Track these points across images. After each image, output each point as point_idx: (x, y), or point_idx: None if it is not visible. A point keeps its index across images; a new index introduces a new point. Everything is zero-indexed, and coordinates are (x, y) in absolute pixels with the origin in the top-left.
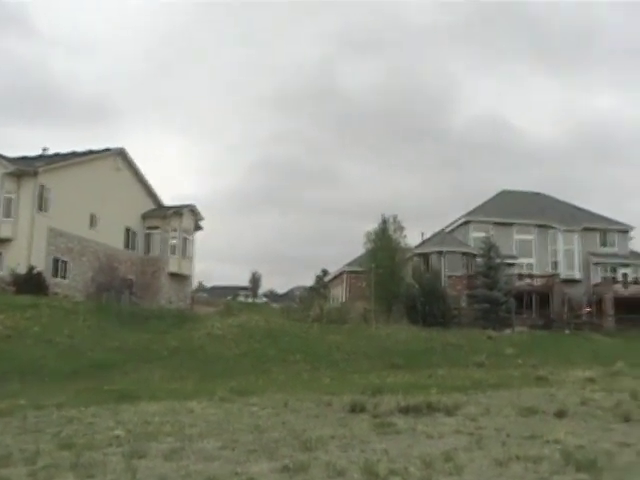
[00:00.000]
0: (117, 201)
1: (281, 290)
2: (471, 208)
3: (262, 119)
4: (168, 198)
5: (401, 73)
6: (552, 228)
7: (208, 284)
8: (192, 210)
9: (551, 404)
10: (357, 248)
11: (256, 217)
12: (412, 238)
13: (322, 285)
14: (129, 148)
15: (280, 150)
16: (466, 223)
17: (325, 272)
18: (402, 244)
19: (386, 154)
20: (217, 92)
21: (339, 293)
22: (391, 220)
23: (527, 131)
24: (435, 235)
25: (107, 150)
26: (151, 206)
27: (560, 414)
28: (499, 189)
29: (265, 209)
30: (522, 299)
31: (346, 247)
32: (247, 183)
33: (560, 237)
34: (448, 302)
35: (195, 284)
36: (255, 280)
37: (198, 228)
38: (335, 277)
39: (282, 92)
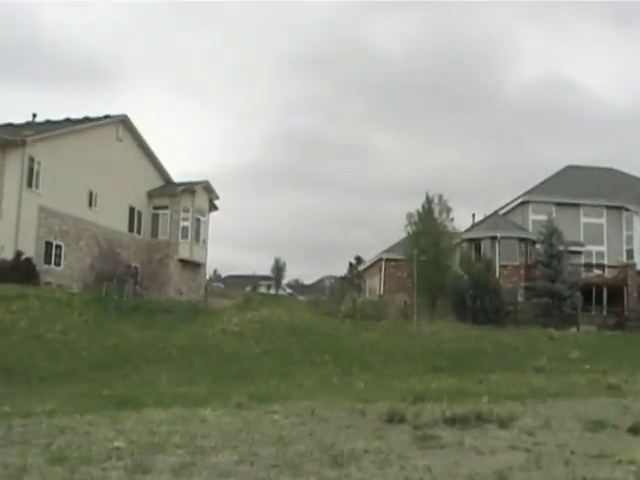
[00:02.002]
0: (119, 177)
1: (308, 280)
2: (530, 186)
3: (281, 84)
4: (176, 175)
5: (440, 27)
6: (626, 210)
7: (224, 273)
8: (206, 187)
9: (624, 417)
10: (395, 233)
11: (278, 196)
12: (460, 221)
13: (355, 275)
14: (132, 116)
15: (302, 120)
16: (524, 204)
17: (359, 260)
18: (449, 228)
19: (424, 124)
20: (230, 52)
21: (375, 284)
22: (436, 200)
23: (599, 97)
24: (487, 218)
25: (107, 117)
26: (159, 183)
27: (635, 429)
28: (563, 164)
29: (288, 187)
30: (590, 293)
31: (382, 231)
32: (266, 157)
33: (636, 221)
34: (502, 296)
35: (209, 273)
36: (278, 269)
37: (213, 208)
38: (370, 266)
39: (303, 52)
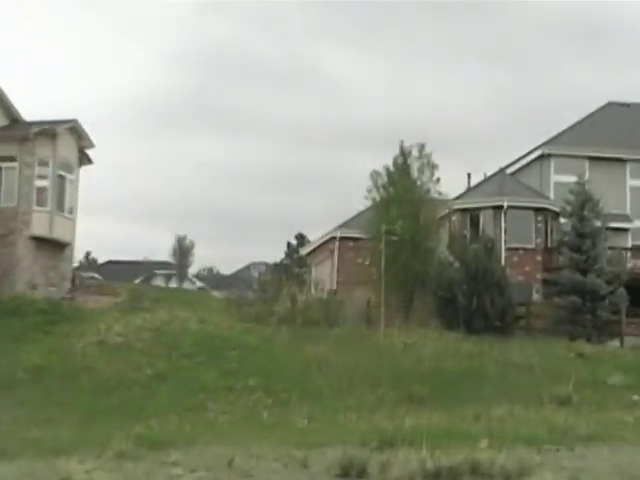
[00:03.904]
0: None
1: (227, 269)
2: (553, 133)
3: None
4: (30, 113)
5: None
6: None
7: (102, 258)
8: (74, 130)
9: None
10: (356, 200)
11: (184, 144)
12: (450, 184)
13: (296, 261)
14: None
15: (220, 29)
16: (543, 158)
17: (302, 239)
18: (433, 193)
19: (401, 39)
20: None
21: (325, 275)
22: (415, 152)
23: None
24: (489, 179)
25: None
26: (2, 122)
27: None
28: (602, 101)
29: (198, 131)
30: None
31: (337, 198)
32: (166, 87)
33: None
34: (509, 293)
35: (79, 257)
36: (182, 252)
37: (85, 161)
38: (318, 248)
39: None
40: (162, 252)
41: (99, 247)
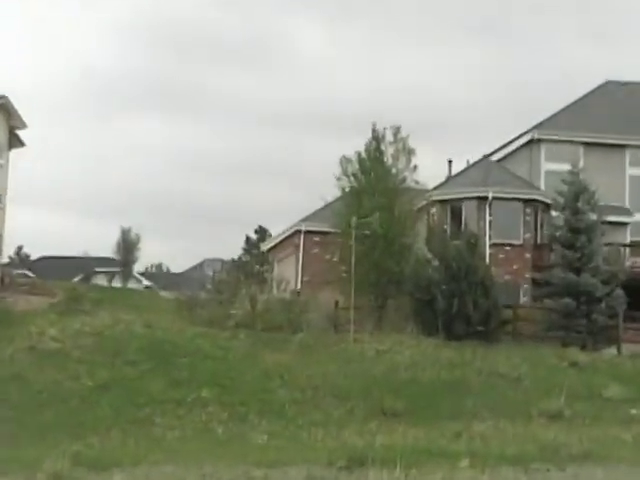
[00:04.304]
0: None
1: (178, 267)
2: (544, 117)
3: None
4: None
5: None
6: None
7: (35, 254)
8: (3, 107)
9: None
10: (324, 190)
11: (130, 125)
12: (428, 172)
13: (256, 258)
14: None
15: (174, 5)
16: (533, 144)
17: (262, 233)
18: (409, 181)
19: (376, 10)
20: None
21: (288, 273)
22: (389, 136)
23: None
24: (472, 166)
25: None
26: None
27: None
28: (599, 80)
29: (147, 111)
30: (639, 291)
31: (303, 188)
32: (111, 60)
33: None
34: (495, 294)
35: (8, 252)
36: (127, 247)
37: (17, 144)
38: (281, 243)
39: None
40: (104, 247)
41: (32, 241)
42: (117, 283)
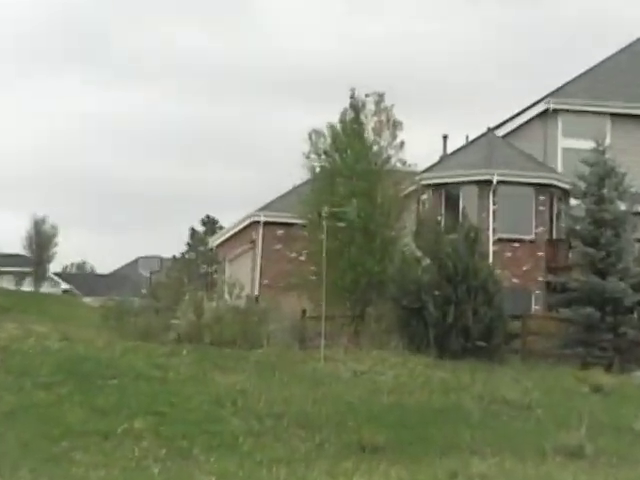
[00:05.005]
0: None
1: (105, 267)
2: (562, 82)
3: None
4: None
5: None
6: None
7: None
8: None
9: None
10: (288, 172)
11: (51, 92)
12: (419, 150)
13: (203, 255)
14: None
15: None
16: (547, 115)
17: (211, 224)
18: (394, 161)
19: None
20: None
21: (244, 274)
22: (371, 105)
23: None
24: (473, 144)
25: None
26: None
27: None
28: (627, 38)
29: (72, 77)
30: None
31: (262, 169)
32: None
33: None
34: (500, 302)
35: None
36: (41, 241)
37: None
38: (234, 236)
39: None
40: (11, 242)
41: None
42: (28, 286)
